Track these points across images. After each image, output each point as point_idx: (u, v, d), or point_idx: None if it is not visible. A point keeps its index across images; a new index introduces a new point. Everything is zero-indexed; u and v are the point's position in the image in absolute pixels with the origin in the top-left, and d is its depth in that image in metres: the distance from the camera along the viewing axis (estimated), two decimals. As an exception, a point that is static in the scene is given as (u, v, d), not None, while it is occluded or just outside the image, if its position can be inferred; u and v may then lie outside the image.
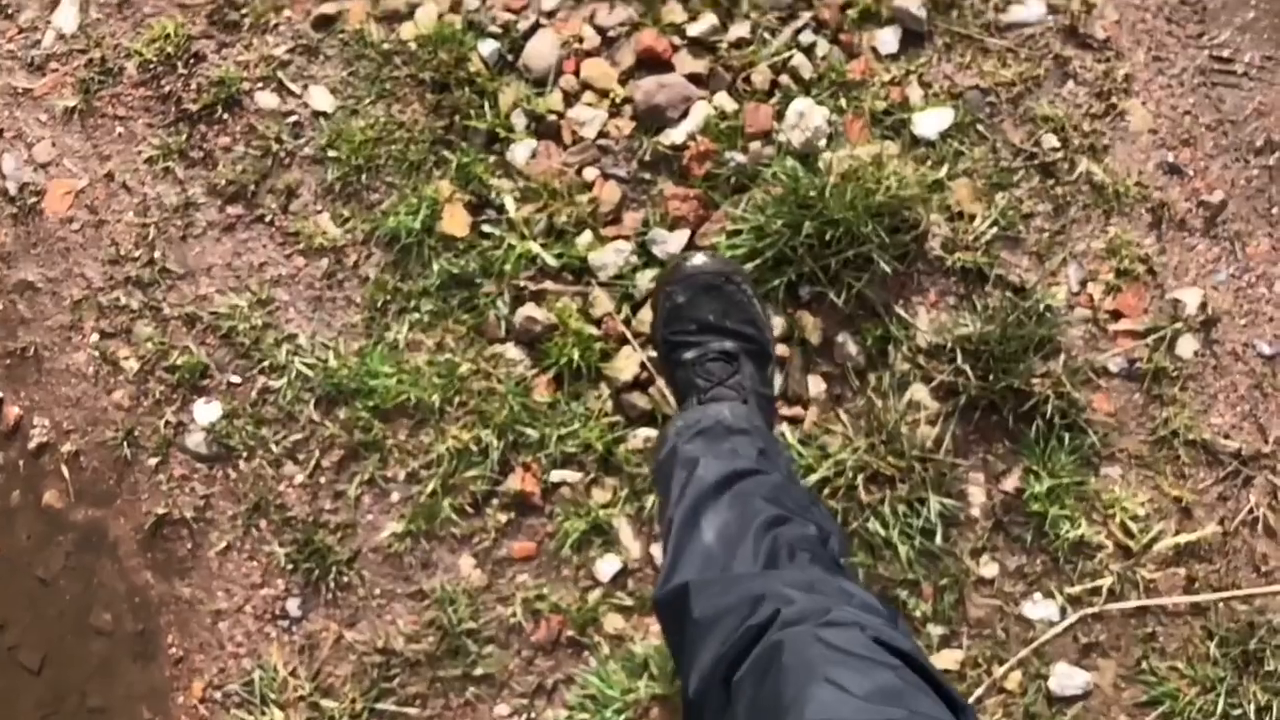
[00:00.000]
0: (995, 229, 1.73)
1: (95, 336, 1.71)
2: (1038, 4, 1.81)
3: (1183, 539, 1.68)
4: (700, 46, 1.78)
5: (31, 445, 1.70)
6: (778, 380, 1.69)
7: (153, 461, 1.69)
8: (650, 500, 1.65)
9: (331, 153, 1.72)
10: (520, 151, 1.74)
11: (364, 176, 1.73)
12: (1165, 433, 1.70)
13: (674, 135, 1.75)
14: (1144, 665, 1.60)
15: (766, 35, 1.78)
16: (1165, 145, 1.79)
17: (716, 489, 1.31)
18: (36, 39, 1.78)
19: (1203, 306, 1.74)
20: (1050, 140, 1.77)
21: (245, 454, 1.68)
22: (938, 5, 1.80)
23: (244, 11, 1.76)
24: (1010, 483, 1.67)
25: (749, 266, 1.68)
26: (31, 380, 1.71)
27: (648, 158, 1.74)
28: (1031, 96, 1.78)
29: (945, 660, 1.60)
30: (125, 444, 1.68)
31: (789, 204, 1.68)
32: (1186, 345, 1.73)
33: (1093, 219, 1.75)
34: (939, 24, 1.80)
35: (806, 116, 1.74)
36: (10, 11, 1.79)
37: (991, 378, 1.66)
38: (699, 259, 1.57)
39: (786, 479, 1.39)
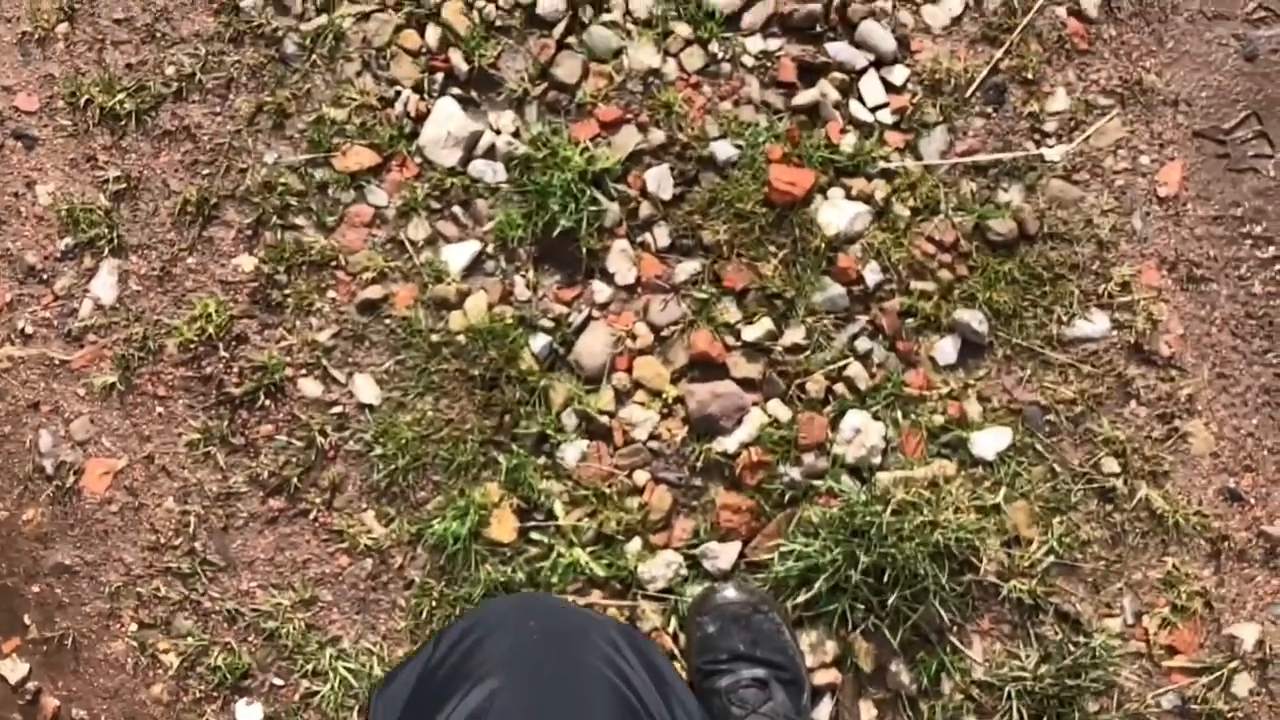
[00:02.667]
0: (1051, 556, 1.74)
1: (134, 626, 1.71)
2: (1103, 318, 1.82)
3: None
4: (755, 350, 1.78)
5: (62, 741, 1.70)
6: (827, 707, 1.70)
7: (186, 765, 1.69)
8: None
9: (377, 449, 1.72)
10: (571, 453, 1.75)
11: (410, 475, 1.73)
12: (1215, 775, 1.72)
13: (727, 443, 1.76)
14: None
15: (822, 340, 1.77)
16: (1227, 470, 1.80)
17: None
18: (74, 308, 1.77)
19: (1260, 643, 1.76)
20: (1110, 464, 1.78)
21: (280, 763, 1.68)
22: (999, 315, 1.80)
23: (287, 292, 1.76)
24: (1057, 822, 1.69)
25: (802, 598, 1.68)
26: (69, 669, 1.72)
27: (700, 464, 1.75)
28: (1092, 416, 1.79)
29: None
30: (158, 744, 1.68)
31: (843, 531, 1.68)
32: (1242, 684, 1.75)
33: (1150, 548, 1.77)
34: (1000, 334, 1.80)
35: (862, 433, 1.75)
36: (46, 277, 1.78)
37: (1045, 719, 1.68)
38: (729, 591, 1.68)
39: None
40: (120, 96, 1.83)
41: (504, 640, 1.17)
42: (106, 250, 1.82)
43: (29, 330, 1.81)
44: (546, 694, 1.12)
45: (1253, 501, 1.84)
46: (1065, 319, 1.86)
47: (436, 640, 1.25)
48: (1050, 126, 1.91)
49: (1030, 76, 1.91)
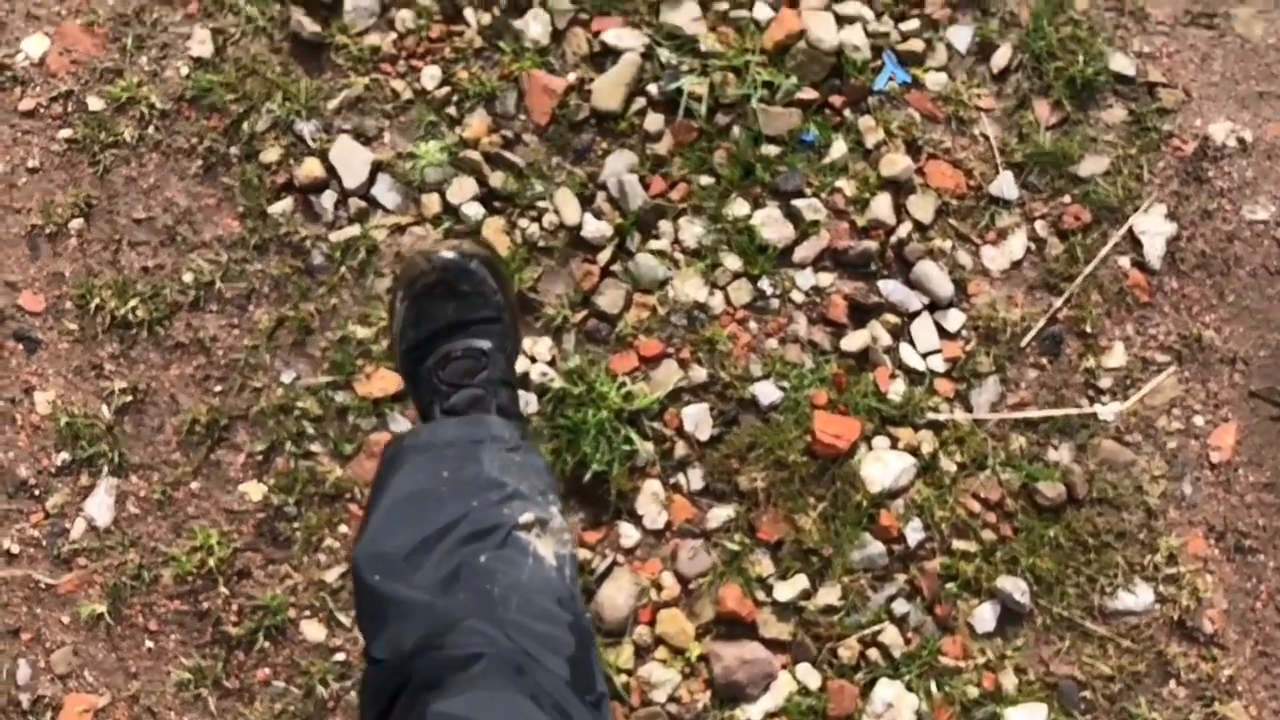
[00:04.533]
0: (1079, 847, 1.64)
1: None
2: (1147, 591, 1.72)
3: None
4: (787, 609, 1.66)
5: None
6: None
7: None
8: None
9: (382, 703, 1.57)
10: (585, 714, 1.61)
11: (414, 732, 1.57)
12: None
13: (751, 711, 1.67)
14: None
15: (857, 601, 1.66)
16: (1263, 759, 1.70)
17: None
18: (65, 527, 1.63)
19: None
20: (1147, 752, 1.68)
21: None
22: (1041, 583, 1.70)
23: (295, 525, 1.63)
24: None
25: None
26: None
27: (721, 731, 1.63)
28: (1130, 695, 1.70)
29: None
30: None
31: (870, 819, 1.58)
32: None
33: (1180, 842, 1.66)
34: (1041, 603, 1.70)
35: (894, 708, 1.64)
36: (38, 493, 1.64)
37: None
38: None
39: None
40: (133, 302, 1.69)
41: None
42: (105, 468, 1.68)
43: (14, 550, 1.67)
44: None
45: (1289, 794, 1.74)
46: (1109, 590, 1.75)
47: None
48: (1105, 383, 1.80)
49: (1089, 329, 1.80)
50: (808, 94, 1.82)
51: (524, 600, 1.20)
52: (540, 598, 1.22)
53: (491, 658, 1.11)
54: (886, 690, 1.70)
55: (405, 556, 1.21)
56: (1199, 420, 1.84)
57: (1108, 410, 1.82)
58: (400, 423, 1.71)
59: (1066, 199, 1.85)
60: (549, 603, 1.23)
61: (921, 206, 1.82)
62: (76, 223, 1.72)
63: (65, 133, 1.74)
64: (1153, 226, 1.85)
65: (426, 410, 1.46)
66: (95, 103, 1.74)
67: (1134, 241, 1.85)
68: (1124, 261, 1.85)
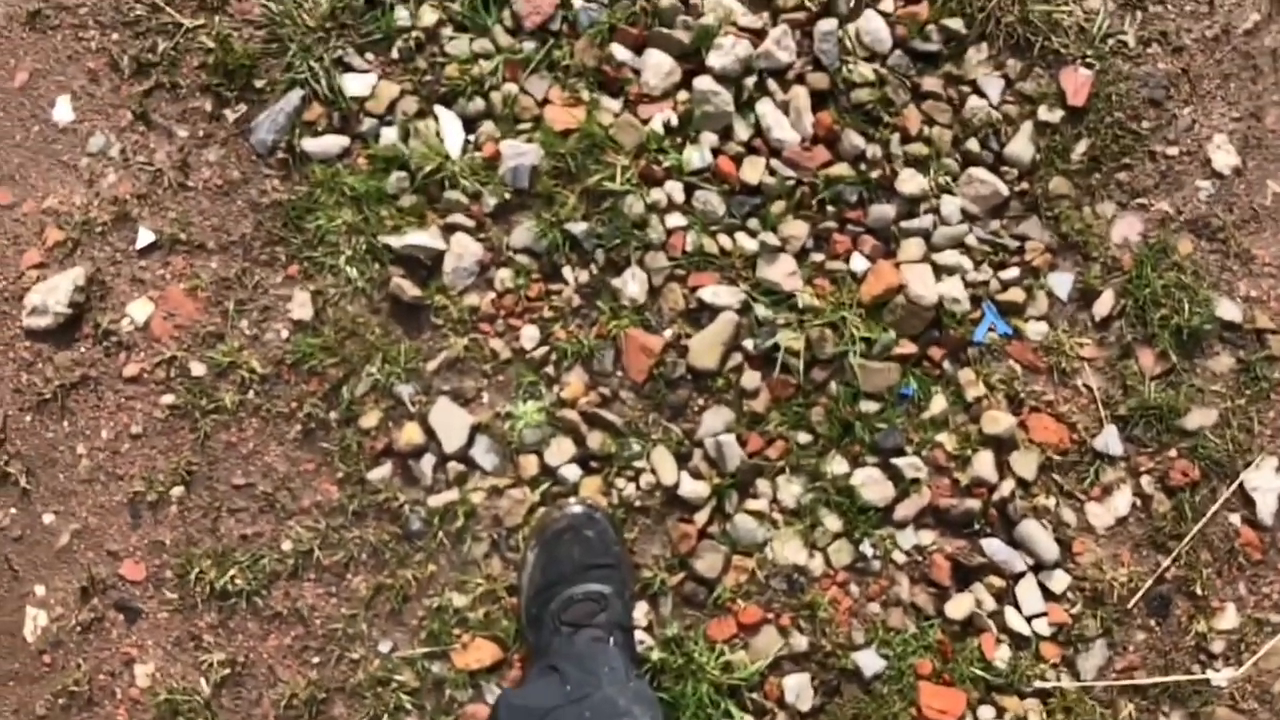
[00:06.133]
0: None
1: None
2: None
3: None
4: None
5: None
6: None
7: None
8: None
9: None
10: None
11: None
12: None
13: None
14: None
15: None
16: None
17: None
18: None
19: None
20: None
21: None
22: None
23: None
24: None
25: None
26: None
27: None
28: None
29: None
30: None
31: None
32: None
33: None
34: None
35: None
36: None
37: None
38: None
39: None
40: (232, 571, 1.67)
41: None
42: (203, 747, 1.65)
43: (113, 828, 1.64)
44: None
45: None
46: None
47: None
48: (1217, 647, 1.73)
49: (1199, 590, 1.73)
50: (906, 348, 1.78)
51: None
52: None
53: None
54: None
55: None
56: (1317, 682, 1.76)
57: (1220, 676, 1.75)
58: (496, 695, 1.67)
59: (1173, 453, 1.79)
60: None
61: (1024, 463, 1.77)
62: (177, 490, 1.71)
63: (167, 399, 1.73)
64: (1264, 482, 1.79)
65: (544, 654, 1.54)
66: (197, 368, 1.74)
67: (1245, 498, 1.78)
68: (1234, 518, 1.78)
